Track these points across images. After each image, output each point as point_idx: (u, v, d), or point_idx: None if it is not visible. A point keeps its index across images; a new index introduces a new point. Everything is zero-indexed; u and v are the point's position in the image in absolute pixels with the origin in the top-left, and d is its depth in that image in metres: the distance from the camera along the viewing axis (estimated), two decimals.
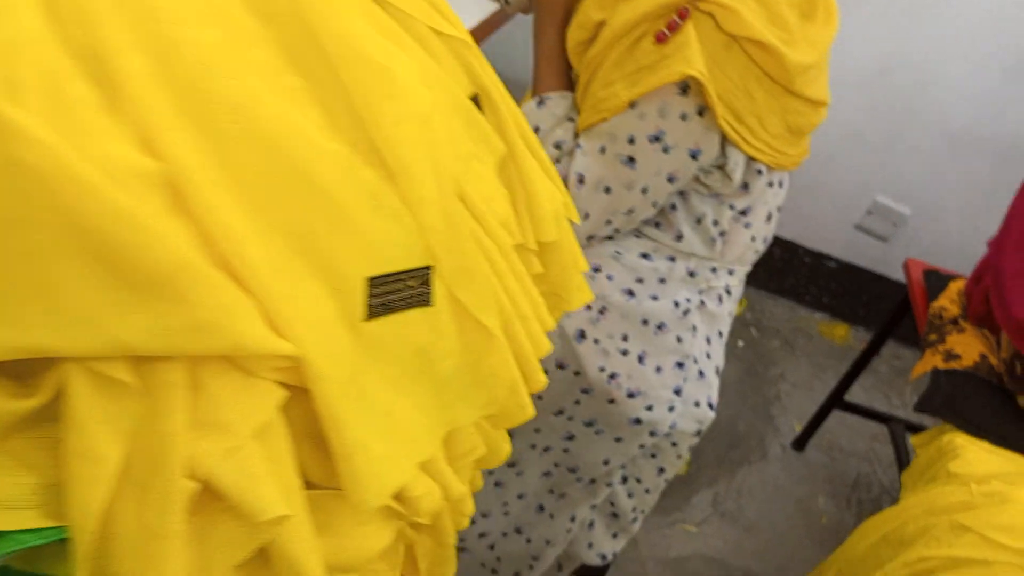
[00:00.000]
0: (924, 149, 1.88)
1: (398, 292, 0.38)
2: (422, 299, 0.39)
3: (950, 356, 1.24)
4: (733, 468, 1.68)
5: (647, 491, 1.03)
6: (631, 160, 0.81)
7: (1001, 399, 1.18)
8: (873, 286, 2.12)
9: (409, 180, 0.38)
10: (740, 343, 2.02)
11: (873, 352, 1.56)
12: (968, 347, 1.25)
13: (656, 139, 0.79)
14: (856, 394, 1.96)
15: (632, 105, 0.79)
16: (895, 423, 1.61)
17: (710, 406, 0.96)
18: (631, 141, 0.80)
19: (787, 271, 2.17)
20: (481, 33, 1.16)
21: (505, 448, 0.50)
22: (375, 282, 0.36)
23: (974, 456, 1.05)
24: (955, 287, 1.36)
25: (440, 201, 0.40)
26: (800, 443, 1.76)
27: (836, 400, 1.67)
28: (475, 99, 0.50)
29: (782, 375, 1.96)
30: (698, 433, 0.98)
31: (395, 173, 0.37)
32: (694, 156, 0.81)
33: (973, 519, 0.89)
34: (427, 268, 0.39)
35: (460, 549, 1.06)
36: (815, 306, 2.19)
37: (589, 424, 0.93)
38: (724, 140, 0.80)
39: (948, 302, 1.33)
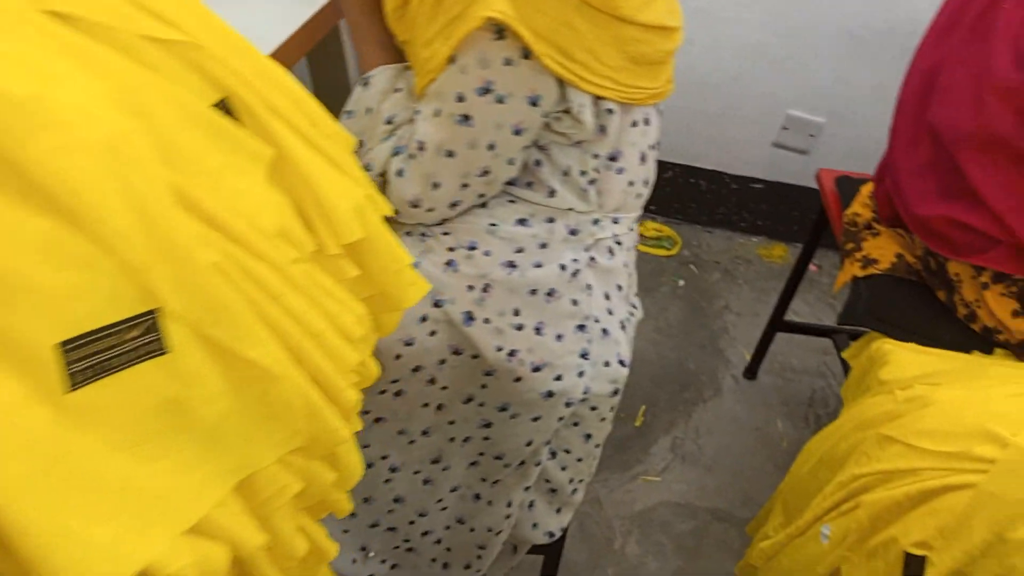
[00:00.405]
0: (827, 54, 1.85)
1: (113, 349, 0.33)
2: (152, 348, 0.35)
3: (868, 262, 1.22)
4: (688, 410, 1.66)
5: (580, 460, 1.00)
6: (466, 118, 0.77)
7: (922, 296, 1.16)
8: (803, 201, 2.10)
9: (96, 219, 0.33)
10: (681, 282, 2.00)
11: (802, 269, 1.55)
12: (883, 249, 1.23)
13: (486, 91, 0.75)
14: (802, 311, 1.96)
15: (452, 60, 0.74)
16: (838, 335, 1.61)
17: (621, 363, 0.93)
18: (460, 99, 0.76)
19: (716, 201, 2.14)
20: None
21: (326, 477, 0.46)
22: (70, 346, 0.31)
23: (902, 360, 1.03)
24: (866, 191, 1.34)
25: (150, 234, 0.35)
26: (751, 371, 1.75)
27: (777, 322, 1.65)
28: (223, 105, 0.45)
29: (726, 306, 1.94)
30: (615, 393, 0.95)
31: (75, 214, 0.32)
32: (534, 103, 0.76)
33: (897, 428, 0.87)
34: (150, 313, 0.35)
35: (408, 550, 1.03)
36: (750, 231, 2.17)
37: (503, 408, 0.89)
38: (561, 81, 0.76)
39: (860, 207, 1.30)
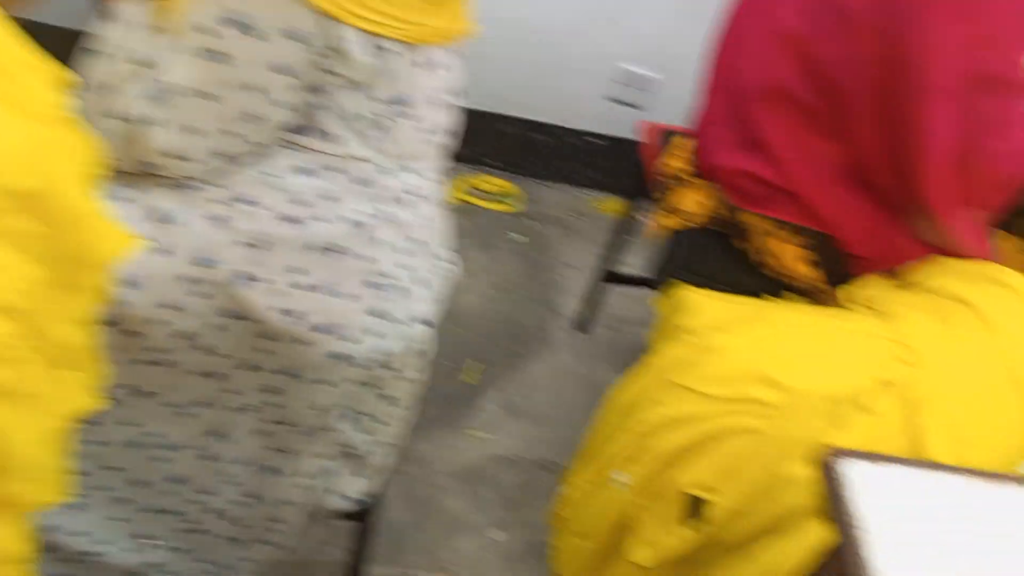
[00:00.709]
0: (657, 8, 1.86)
1: None
2: None
3: (676, 213, 1.25)
4: (521, 365, 1.67)
5: (385, 424, 0.96)
6: (221, 55, 0.69)
7: (723, 246, 1.20)
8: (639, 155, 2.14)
9: None
10: (519, 237, 1.99)
11: (629, 222, 1.57)
12: (692, 201, 1.25)
13: (239, 24, 0.68)
14: (636, 263, 2.00)
15: None
16: (662, 285, 1.65)
17: (421, 321, 0.89)
18: (212, 33, 0.68)
19: (555, 156, 2.14)
20: None
21: None
22: None
23: (699, 307, 1.05)
24: (678, 143, 1.36)
25: None
26: (585, 324, 1.77)
27: (607, 275, 1.68)
28: None
29: (564, 261, 1.96)
30: (418, 353, 0.92)
31: None
32: (295, 38, 0.70)
33: (684, 375, 0.89)
34: None
35: (203, 531, 0.96)
36: (589, 185, 2.19)
37: (289, 374, 0.83)
38: (323, 14, 0.70)
39: (671, 158, 1.32)
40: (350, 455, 0.94)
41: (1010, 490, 0.66)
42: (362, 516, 1.11)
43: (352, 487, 0.97)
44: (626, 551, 0.90)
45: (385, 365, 0.89)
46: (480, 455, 1.45)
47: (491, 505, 1.37)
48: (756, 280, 1.15)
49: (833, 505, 0.57)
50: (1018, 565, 0.60)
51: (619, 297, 1.87)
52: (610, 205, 2.15)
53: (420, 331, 0.90)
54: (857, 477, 0.58)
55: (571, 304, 1.84)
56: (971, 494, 0.63)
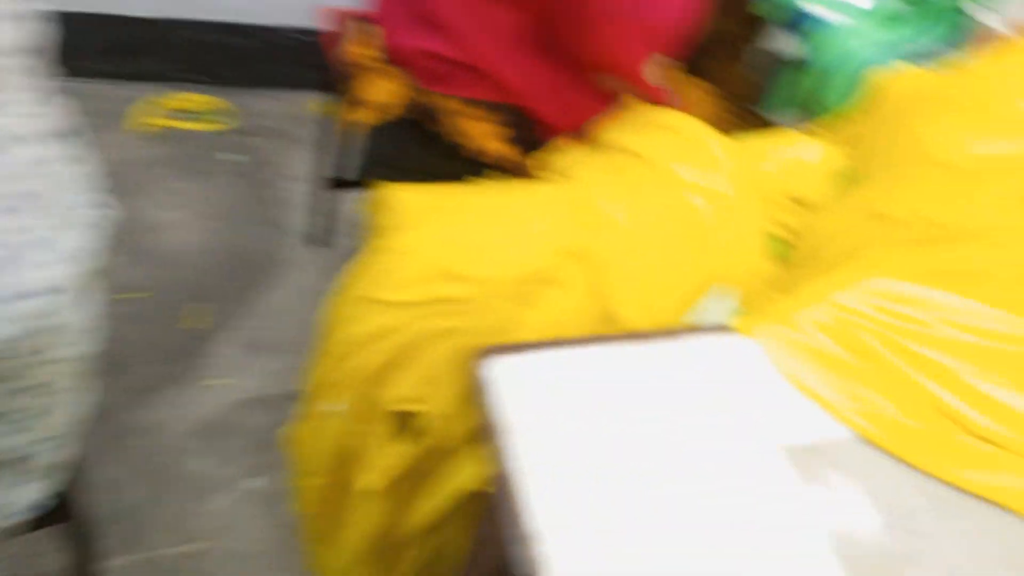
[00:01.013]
0: None
1: None
2: None
3: (368, 105, 1.14)
4: (260, 295, 1.53)
5: (41, 416, 0.81)
6: None
7: (424, 135, 1.12)
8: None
9: None
10: (236, 157, 1.80)
11: (336, 123, 1.44)
12: (384, 90, 1.15)
13: None
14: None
15: None
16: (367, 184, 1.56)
17: (41, 292, 0.73)
18: None
19: (260, 60, 1.93)
20: None
21: None
22: None
23: (395, 204, 0.97)
24: (365, 28, 1.23)
25: None
26: (323, 238, 1.66)
27: (329, 181, 1.56)
28: None
29: (287, 174, 1.80)
30: (55, 328, 0.76)
31: None
32: None
33: (372, 286, 0.82)
34: None
35: None
36: (303, 86, 2.00)
37: None
38: None
39: (358, 46, 1.20)
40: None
41: (669, 345, 0.66)
42: (64, 516, 0.97)
43: (19, 497, 0.82)
44: (354, 480, 0.85)
45: (3, 355, 0.73)
46: (221, 404, 1.33)
47: (241, 454, 1.27)
48: (456, 165, 1.09)
49: (477, 412, 0.53)
50: (679, 420, 0.59)
51: (355, 202, 1.76)
52: (329, 106, 1.99)
53: (44, 304, 0.74)
54: (502, 375, 0.55)
55: (304, 220, 1.70)
56: (628, 360, 0.62)
